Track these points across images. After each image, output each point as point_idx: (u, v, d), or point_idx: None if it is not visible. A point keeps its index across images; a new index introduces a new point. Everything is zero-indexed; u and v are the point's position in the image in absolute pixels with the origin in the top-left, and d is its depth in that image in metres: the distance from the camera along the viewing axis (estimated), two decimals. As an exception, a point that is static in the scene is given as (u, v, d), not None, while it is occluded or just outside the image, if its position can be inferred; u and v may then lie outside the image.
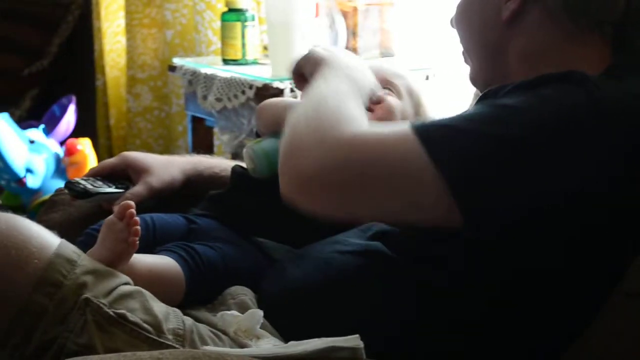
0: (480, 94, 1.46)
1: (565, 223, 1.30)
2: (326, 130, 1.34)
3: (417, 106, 1.87)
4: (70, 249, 1.35)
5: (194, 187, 1.85)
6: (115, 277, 1.36)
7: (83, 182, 1.73)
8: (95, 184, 1.73)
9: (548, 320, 1.37)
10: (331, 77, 1.50)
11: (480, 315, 1.37)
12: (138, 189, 1.76)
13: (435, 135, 1.30)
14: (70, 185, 1.72)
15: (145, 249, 1.57)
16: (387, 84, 1.84)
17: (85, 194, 1.71)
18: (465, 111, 1.37)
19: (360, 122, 1.37)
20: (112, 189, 1.73)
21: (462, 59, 1.57)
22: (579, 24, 1.40)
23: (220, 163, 1.91)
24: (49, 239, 1.34)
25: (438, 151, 1.28)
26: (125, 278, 1.38)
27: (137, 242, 1.42)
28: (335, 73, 1.52)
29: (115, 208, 1.46)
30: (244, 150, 1.70)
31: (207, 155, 1.95)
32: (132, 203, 1.43)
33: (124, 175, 1.80)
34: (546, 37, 1.42)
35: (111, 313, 1.30)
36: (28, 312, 1.29)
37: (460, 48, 1.55)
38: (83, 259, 1.35)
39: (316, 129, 1.35)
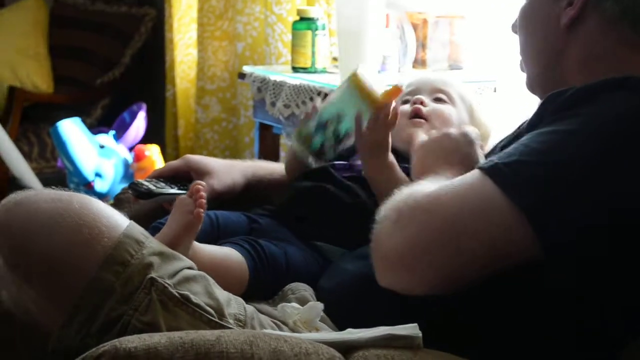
0: (541, 101, 1.46)
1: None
2: (400, 207, 1.34)
3: (470, 111, 1.87)
4: (139, 230, 1.38)
5: (254, 191, 1.88)
6: (180, 260, 1.39)
7: (146, 183, 1.77)
8: (158, 185, 1.76)
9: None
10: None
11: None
12: None
13: (507, 173, 1.30)
14: (134, 186, 1.76)
15: (209, 243, 1.60)
16: (438, 92, 1.85)
17: (149, 194, 1.74)
18: (529, 139, 1.36)
19: (428, 186, 1.37)
20: (174, 190, 1.76)
21: (519, 67, 1.57)
22: (637, 31, 1.40)
23: (281, 168, 1.94)
24: (118, 220, 1.37)
25: (512, 186, 1.28)
26: (189, 262, 1.40)
27: (203, 214, 1.46)
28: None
29: None
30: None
31: (269, 161, 1.98)
32: (203, 182, 1.46)
33: (187, 177, 1.83)
34: (604, 44, 1.42)
35: (175, 293, 1.32)
36: (95, 290, 1.31)
37: (519, 56, 1.56)
38: (150, 241, 1.38)
39: (391, 210, 1.35)
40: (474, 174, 1.33)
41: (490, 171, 1.31)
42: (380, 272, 1.35)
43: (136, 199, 1.80)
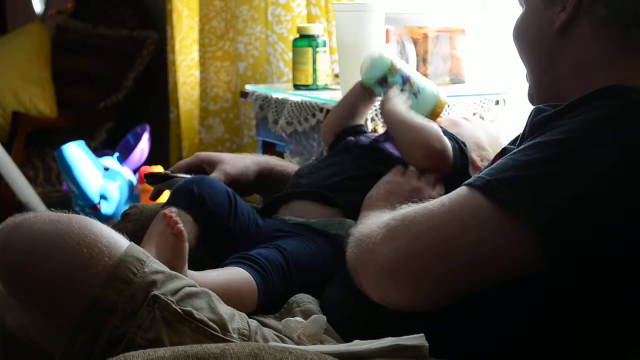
0: (532, 112, 1.45)
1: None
2: (388, 223, 1.36)
3: (495, 145, 1.90)
4: (140, 250, 1.38)
5: (265, 180, 1.95)
6: (181, 279, 1.39)
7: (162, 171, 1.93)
8: (173, 172, 1.91)
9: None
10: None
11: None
12: (214, 175, 1.86)
13: (499, 189, 1.30)
14: (149, 174, 1.89)
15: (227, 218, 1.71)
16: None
17: (165, 177, 1.87)
18: (517, 152, 1.35)
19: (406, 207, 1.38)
20: (189, 175, 1.85)
21: (525, 78, 1.57)
22: (630, 34, 1.40)
23: (289, 164, 2.02)
24: (118, 240, 1.38)
25: (506, 203, 1.28)
26: (191, 281, 1.41)
27: (182, 229, 1.49)
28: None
29: None
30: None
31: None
32: (172, 208, 1.58)
33: (200, 172, 1.92)
34: (597, 47, 1.42)
35: (178, 310, 1.33)
36: (98, 308, 1.31)
37: (524, 68, 1.56)
38: (152, 260, 1.38)
39: (378, 227, 1.37)
40: (463, 192, 1.33)
41: (482, 188, 1.31)
42: (377, 287, 1.35)
43: (152, 186, 1.91)
